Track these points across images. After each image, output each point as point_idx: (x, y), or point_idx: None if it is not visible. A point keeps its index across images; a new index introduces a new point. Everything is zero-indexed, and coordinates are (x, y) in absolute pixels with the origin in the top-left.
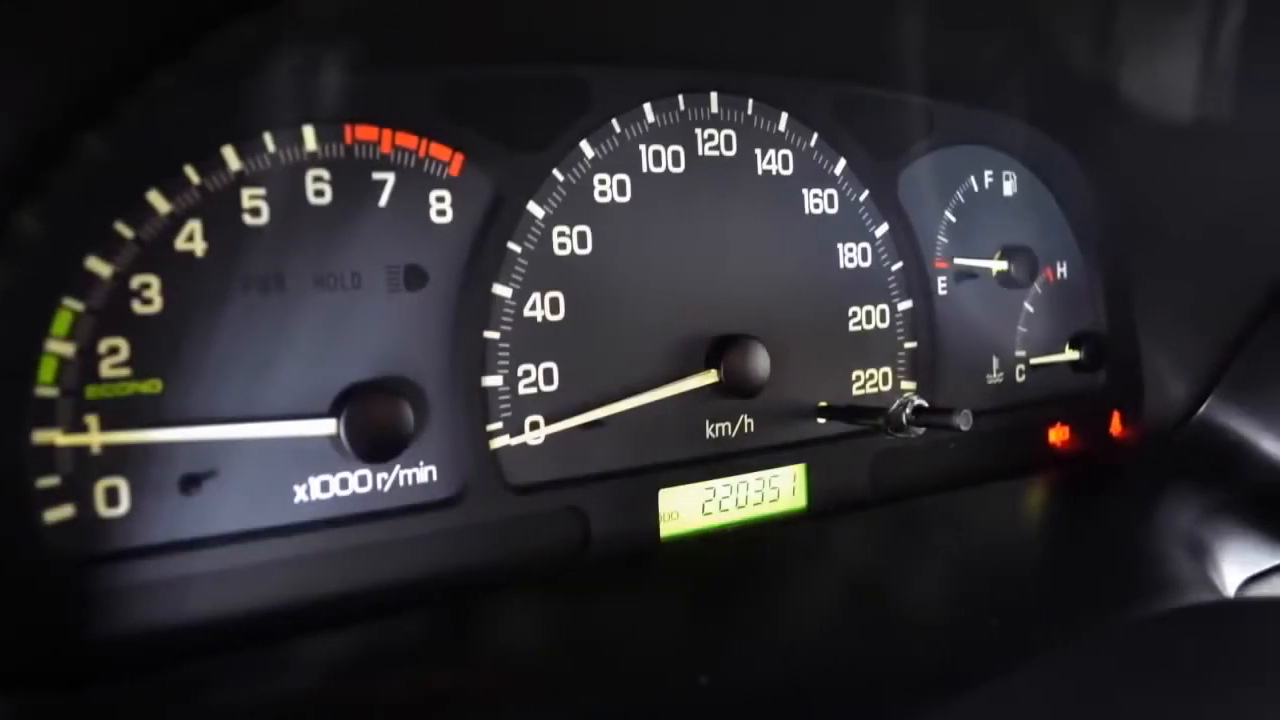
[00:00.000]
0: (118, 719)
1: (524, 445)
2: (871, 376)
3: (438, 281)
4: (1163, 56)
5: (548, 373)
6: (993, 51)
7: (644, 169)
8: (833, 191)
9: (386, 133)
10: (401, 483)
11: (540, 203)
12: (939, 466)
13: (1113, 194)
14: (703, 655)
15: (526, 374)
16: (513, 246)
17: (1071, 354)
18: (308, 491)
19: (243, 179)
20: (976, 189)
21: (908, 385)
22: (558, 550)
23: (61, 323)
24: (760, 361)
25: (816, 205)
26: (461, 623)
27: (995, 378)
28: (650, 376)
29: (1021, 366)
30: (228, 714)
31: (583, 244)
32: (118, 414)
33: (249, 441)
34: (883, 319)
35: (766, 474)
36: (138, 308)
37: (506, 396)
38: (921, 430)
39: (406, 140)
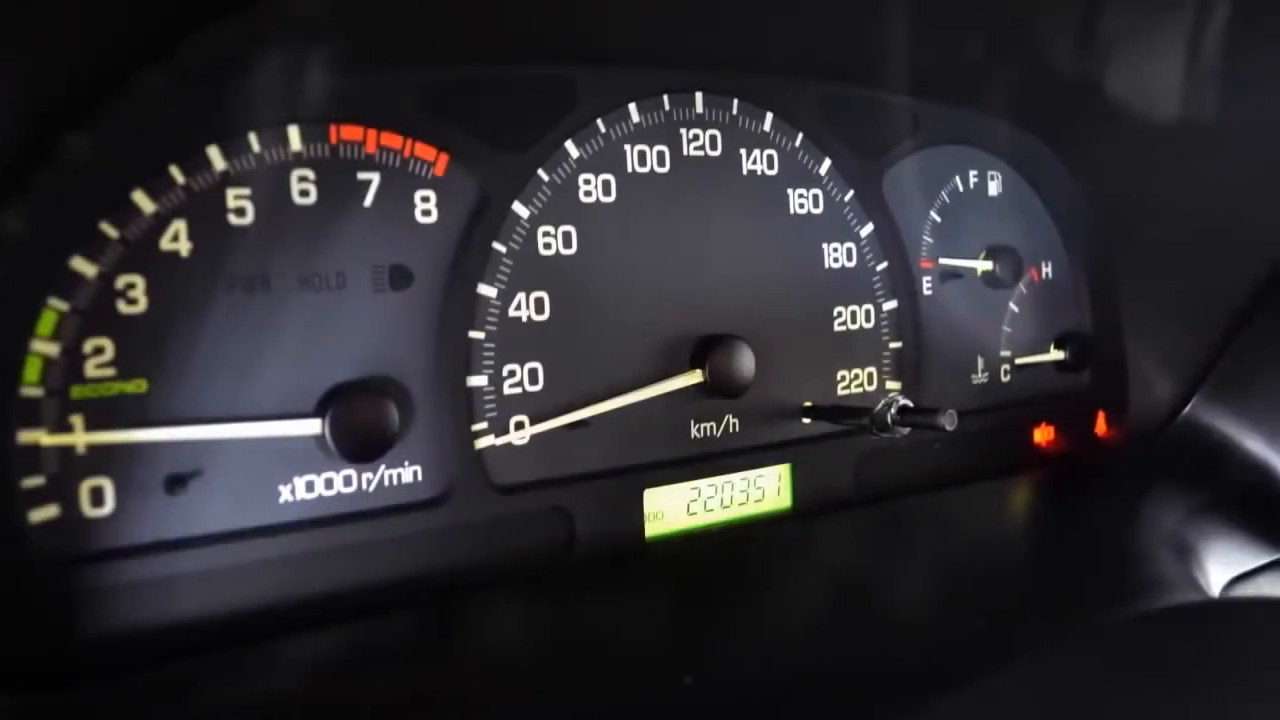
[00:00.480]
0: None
1: (509, 445)
2: (856, 376)
3: (423, 281)
4: (1147, 56)
5: (533, 373)
6: (977, 51)
7: (629, 169)
8: (818, 191)
9: (371, 133)
10: (386, 483)
11: (525, 203)
12: (924, 466)
13: (1097, 194)
14: (688, 655)
15: (511, 374)
16: (498, 246)
17: (1056, 354)
18: (293, 491)
19: (228, 179)
20: (961, 189)
21: (893, 385)
22: (543, 550)
23: (46, 323)
24: (745, 361)
25: (801, 205)
26: (447, 623)
27: (980, 378)
28: (635, 376)
29: (1006, 366)
30: (213, 714)
31: (568, 244)
32: (103, 414)
33: (234, 441)
34: (868, 319)
35: (751, 474)
36: (123, 308)
37: (491, 396)
38: (906, 430)
39: (391, 140)
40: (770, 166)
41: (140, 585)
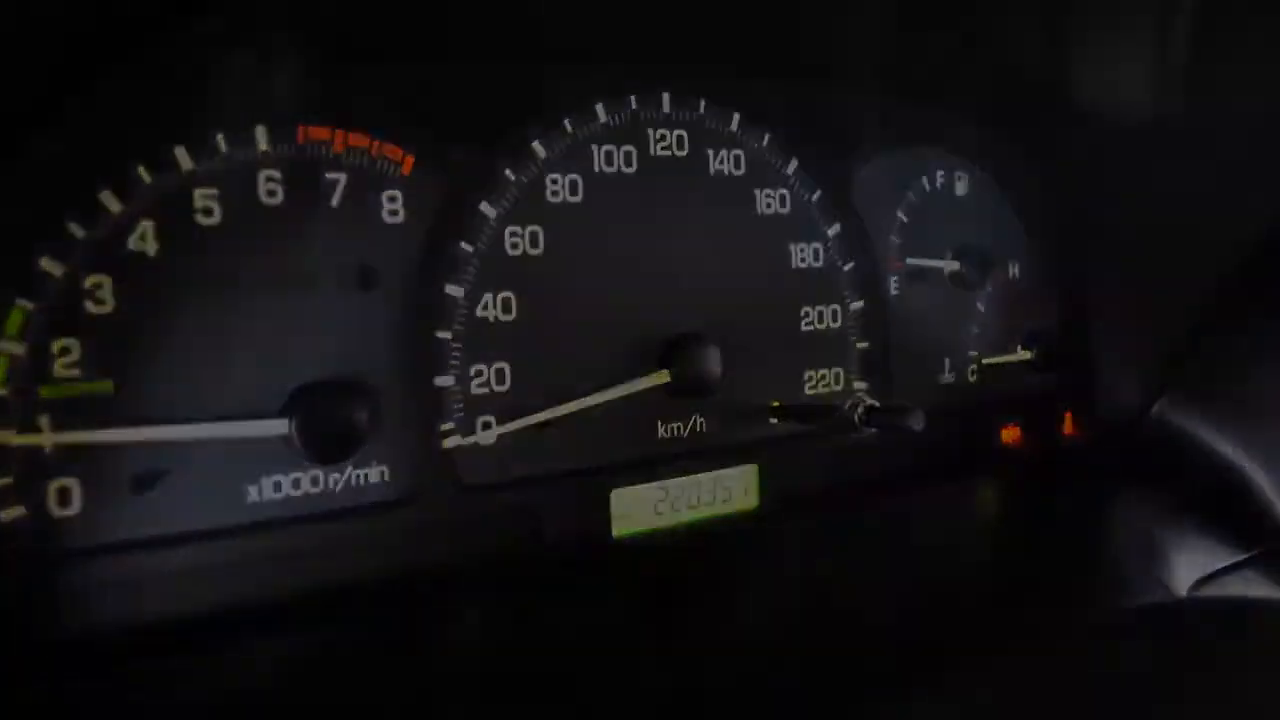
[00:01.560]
0: (69, 718)
1: (476, 445)
2: (824, 376)
3: (390, 281)
4: (1114, 57)
5: (500, 373)
6: (945, 52)
7: (596, 169)
8: (785, 192)
9: (339, 133)
10: (354, 483)
11: (492, 203)
12: (891, 466)
13: (1065, 194)
14: (655, 654)
15: (479, 374)
16: (465, 246)
17: (1024, 354)
18: (260, 492)
19: (195, 179)
20: (929, 189)
21: (860, 385)
22: (510, 550)
23: (13, 322)
24: (712, 362)
25: (769, 205)
26: (414, 622)
27: (948, 378)
28: (602, 377)
29: (974, 366)
30: (181, 713)
31: (535, 244)
32: (70, 414)
33: (201, 442)
34: (835, 319)
35: (719, 474)
36: (90, 308)
37: (459, 396)
38: (874, 430)
39: (359, 140)
40: (737, 166)
41: (107, 585)
